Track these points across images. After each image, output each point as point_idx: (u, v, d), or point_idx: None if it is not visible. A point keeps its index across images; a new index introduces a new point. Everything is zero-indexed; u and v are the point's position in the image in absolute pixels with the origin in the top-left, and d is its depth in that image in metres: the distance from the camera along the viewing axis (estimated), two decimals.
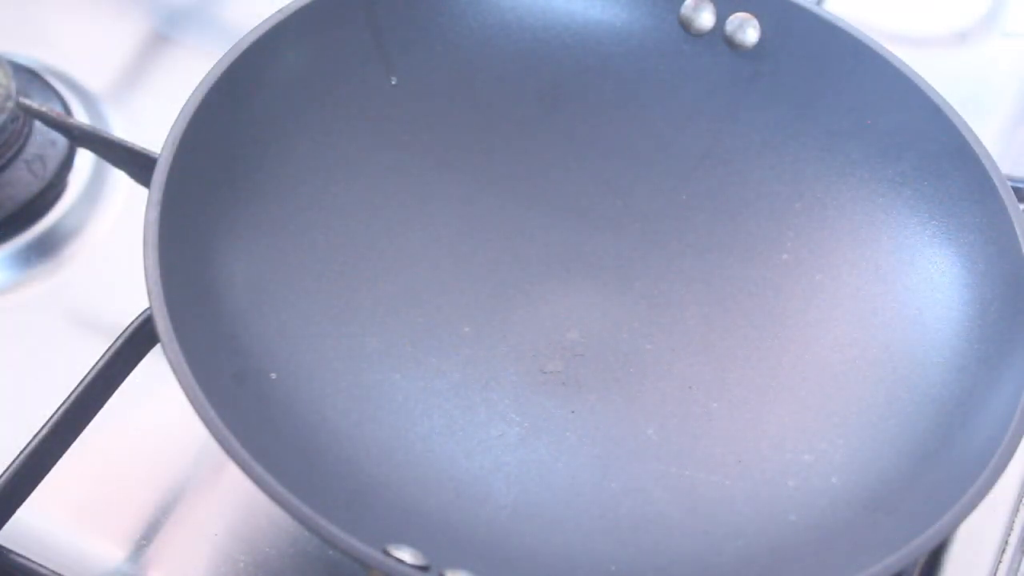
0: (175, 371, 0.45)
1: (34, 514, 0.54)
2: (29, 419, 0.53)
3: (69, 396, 0.53)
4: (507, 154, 0.62)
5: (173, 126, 0.51)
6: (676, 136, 0.62)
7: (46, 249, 0.64)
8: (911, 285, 0.57)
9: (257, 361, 0.52)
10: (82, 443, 0.54)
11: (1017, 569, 0.56)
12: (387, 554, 0.44)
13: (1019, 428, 0.48)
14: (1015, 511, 0.57)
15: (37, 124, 0.66)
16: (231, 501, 0.56)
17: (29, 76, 0.69)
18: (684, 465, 0.55)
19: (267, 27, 0.55)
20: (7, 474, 0.52)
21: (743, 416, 0.56)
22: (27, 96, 0.65)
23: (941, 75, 0.59)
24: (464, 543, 0.50)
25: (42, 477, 0.53)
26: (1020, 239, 0.53)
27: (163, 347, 0.46)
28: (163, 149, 0.51)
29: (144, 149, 0.60)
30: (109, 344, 0.55)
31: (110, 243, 0.64)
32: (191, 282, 0.50)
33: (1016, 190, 0.55)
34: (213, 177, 0.53)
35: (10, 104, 0.64)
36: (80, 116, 0.68)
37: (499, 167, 0.61)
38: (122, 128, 0.68)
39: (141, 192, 0.54)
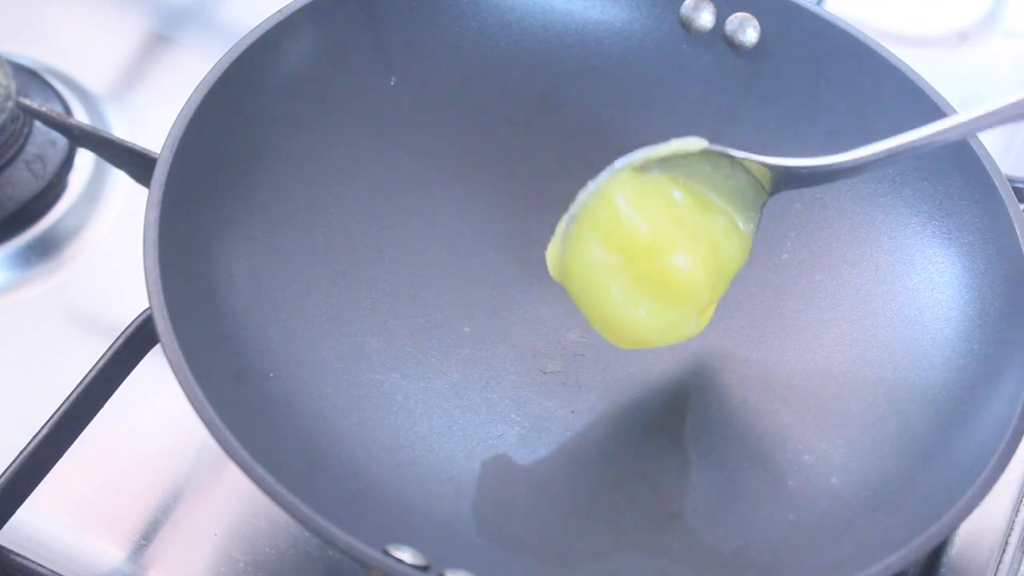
0: (175, 371, 0.45)
1: (34, 514, 0.54)
2: (29, 419, 0.53)
3: (69, 396, 0.53)
4: (507, 154, 0.62)
5: (173, 126, 0.51)
6: (676, 136, 0.62)
7: (46, 249, 0.64)
8: (911, 285, 0.57)
9: (257, 361, 0.52)
10: (82, 443, 0.54)
11: (1017, 569, 0.56)
12: (387, 554, 0.44)
13: (1019, 428, 0.48)
14: (1015, 511, 0.57)
15: (37, 124, 0.66)
16: (231, 501, 0.56)
17: (29, 76, 0.69)
18: (684, 465, 0.55)
19: (267, 27, 0.55)
20: (7, 474, 0.52)
21: (743, 416, 0.56)
22: (27, 96, 0.65)
23: (941, 75, 0.59)
24: (464, 543, 0.50)
25: (42, 477, 0.53)
26: (1020, 239, 0.53)
27: (163, 347, 0.46)
28: (163, 149, 0.51)
29: (144, 149, 0.60)
30: (109, 344, 0.55)
31: (110, 243, 0.65)
32: (191, 282, 0.50)
33: (1016, 190, 0.55)
34: (213, 177, 0.53)
35: (10, 104, 0.64)
36: (80, 116, 0.68)
37: (499, 167, 0.61)
38: (122, 128, 0.68)
39: (141, 192, 0.54)
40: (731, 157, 0.52)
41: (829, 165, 0.51)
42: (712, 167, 0.52)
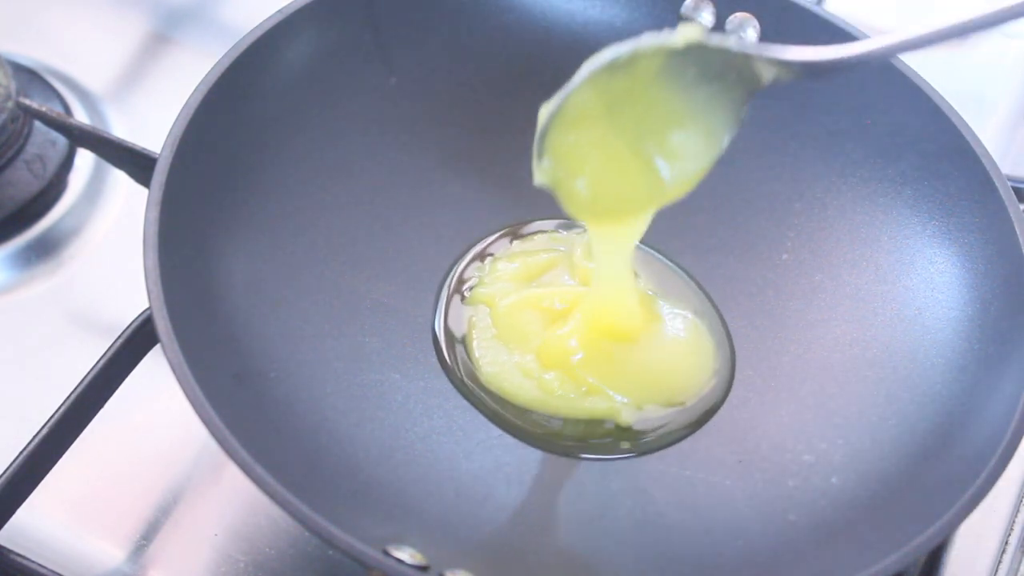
0: (175, 371, 0.45)
1: (34, 514, 0.54)
2: (29, 419, 0.53)
3: (69, 396, 0.53)
4: (507, 154, 0.62)
5: (173, 126, 0.51)
6: None
7: (46, 249, 0.64)
8: (911, 285, 0.57)
9: (257, 361, 0.52)
10: (82, 443, 0.54)
11: (1017, 569, 0.56)
12: (387, 554, 0.44)
13: (1019, 428, 0.48)
14: (1015, 511, 0.57)
15: (37, 124, 0.66)
16: (231, 501, 0.56)
17: (29, 76, 0.69)
18: (684, 465, 0.55)
19: (267, 27, 0.55)
20: (7, 474, 0.52)
21: (743, 416, 0.56)
22: (27, 96, 0.65)
23: (941, 75, 0.59)
24: (464, 543, 0.50)
25: (42, 477, 0.53)
26: (1020, 239, 0.53)
27: (163, 347, 0.46)
28: (163, 149, 0.51)
29: (144, 149, 0.60)
30: (109, 344, 0.55)
31: (110, 243, 0.64)
32: (191, 282, 0.50)
33: (1016, 190, 0.55)
34: (213, 177, 0.53)
35: (10, 104, 0.64)
36: (80, 116, 0.68)
37: (500, 167, 0.61)
38: (122, 128, 0.68)
39: (141, 192, 0.54)
40: (722, 50, 0.50)
41: (838, 59, 0.49)
42: (692, 65, 0.51)
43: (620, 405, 0.55)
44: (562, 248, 0.60)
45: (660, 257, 0.61)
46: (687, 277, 0.60)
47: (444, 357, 0.56)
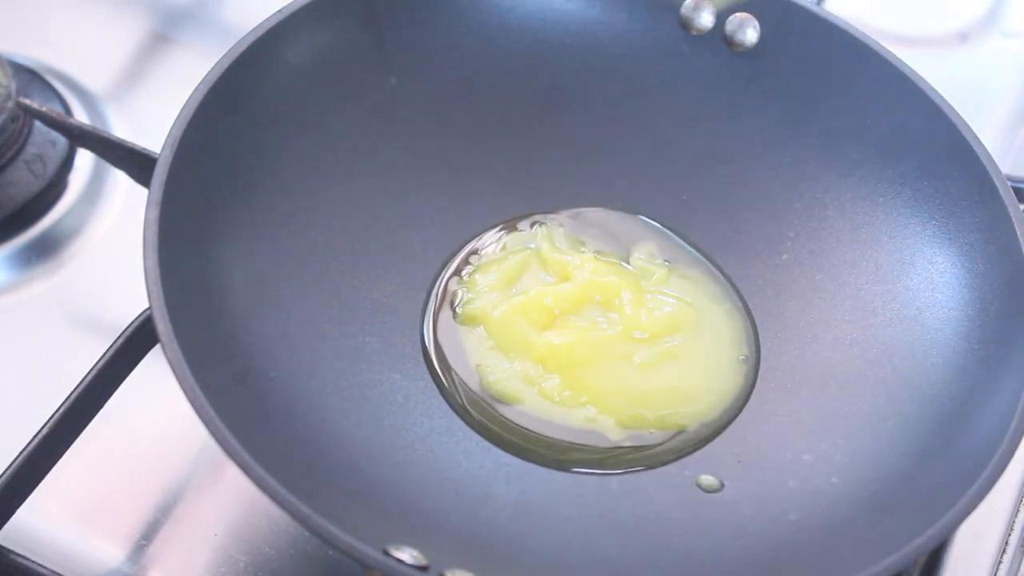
0: (175, 371, 0.45)
1: (34, 514, 0.54)
2: (29, 419, 0.53)
3: (69, 396, 0.53)
4: (507, 154, 0.62)
5: (173, 126, 0.51)
6: (676, 136, 0.62)
7: (46, 249, 0.64)
8: (911, 285, 0.57)
9: (257, 361, 0.52)
10: (82, 443, 0.54)
11: (1017, 569, 0.56)
12: (387, 554, 0.44)
13: (1019, 428, 0.48)
14: (1015, 511, 0.57)
15: (37, 124, 0.66)
16: (231, 501, 0.56)
17: (29, 76, 0.69)
18: (684, 465, 0.55)
19: (267, 27, 0.55)
20: (7, 474, 0.52)
21: (743, 416, 0.56)
22: (27, 96, 0.65)
23: (941, 75, 0.59)
24: (464, 543, 0.50)
25: (42, 477, 0.53)
26: (1020, 239, 0.53)
27: (163, 347, 0.46)
28: (163, 149, 0.51)
29: (144, 149, 0.60)
30: (109, 344, 0.55)
31: (110, 243, 0.65)
32: (191, 282, 0.50)
33: (1016, 190, 0.55)
34: (213, 177, 0.53)
35: (10, 104, 0.64)
36: (80, 116, 0.68)
37: (499, 167, 0.61)
38: (122, 128, 0.68)
39: (141, 192, 0.54)
40: None
41: None
42: None
43: (612, 422, 0.55)
44: (531, 245, 0.60)
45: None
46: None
47: (441, 380, 0.56)
